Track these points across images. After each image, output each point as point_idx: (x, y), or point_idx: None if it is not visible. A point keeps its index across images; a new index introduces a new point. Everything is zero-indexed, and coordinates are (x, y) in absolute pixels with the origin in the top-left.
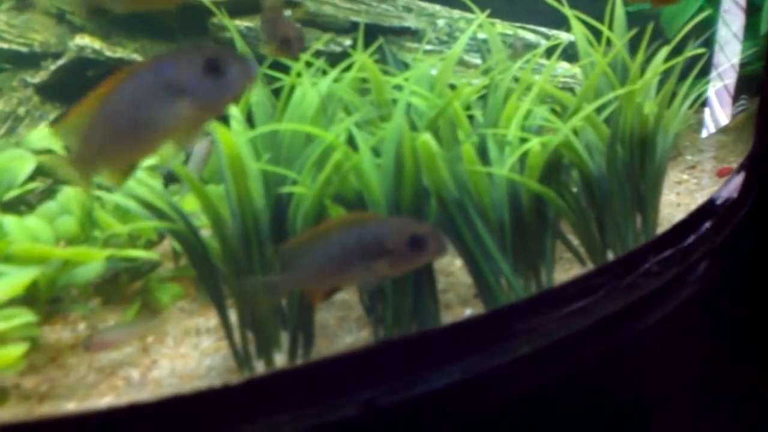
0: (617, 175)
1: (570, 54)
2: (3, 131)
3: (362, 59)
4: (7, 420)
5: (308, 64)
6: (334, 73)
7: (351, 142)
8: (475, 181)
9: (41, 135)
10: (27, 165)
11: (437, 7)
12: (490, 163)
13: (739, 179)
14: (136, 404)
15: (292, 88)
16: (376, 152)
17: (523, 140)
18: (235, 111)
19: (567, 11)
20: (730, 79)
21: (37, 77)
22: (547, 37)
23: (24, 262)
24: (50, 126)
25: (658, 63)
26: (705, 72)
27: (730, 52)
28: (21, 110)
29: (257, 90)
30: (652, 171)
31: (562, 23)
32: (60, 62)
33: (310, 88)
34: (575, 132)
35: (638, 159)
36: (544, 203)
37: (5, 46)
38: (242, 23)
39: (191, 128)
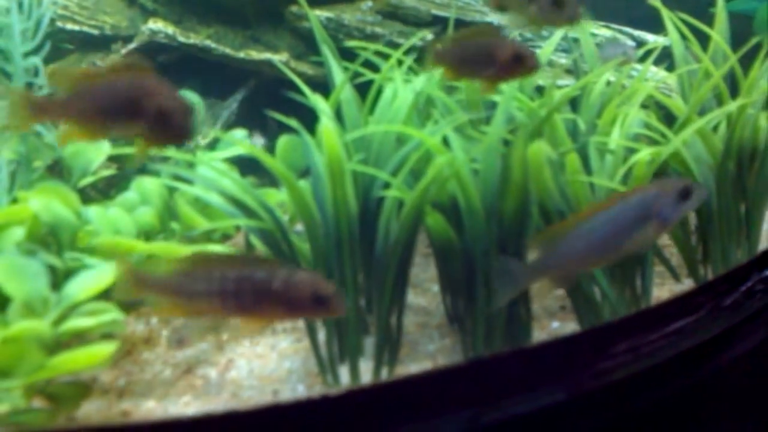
0: (726, 190)
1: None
2: None
3: None
4: (95, 424)
5: (399, 62)
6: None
7: (443, 143)
8: (576, 191)
9: None
10: (102, 151)
11: None
12: (591, 172)
13: None
14: (233, 412)
15: (379, 84)
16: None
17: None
18: (325, 107)
19: (666, 14)
20: None
21: (107, 60)
22: (635, 39)
23: (108, 255)
24: None
25: None
26: None
27: None
28: None
29: (347, 87)
30: (761, 186)
31: (652, 26)
32: (131, 46)
33: (403, 86)
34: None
35: (747, 173)
36: None
37: (76, 27)
38: (322, 13)
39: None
